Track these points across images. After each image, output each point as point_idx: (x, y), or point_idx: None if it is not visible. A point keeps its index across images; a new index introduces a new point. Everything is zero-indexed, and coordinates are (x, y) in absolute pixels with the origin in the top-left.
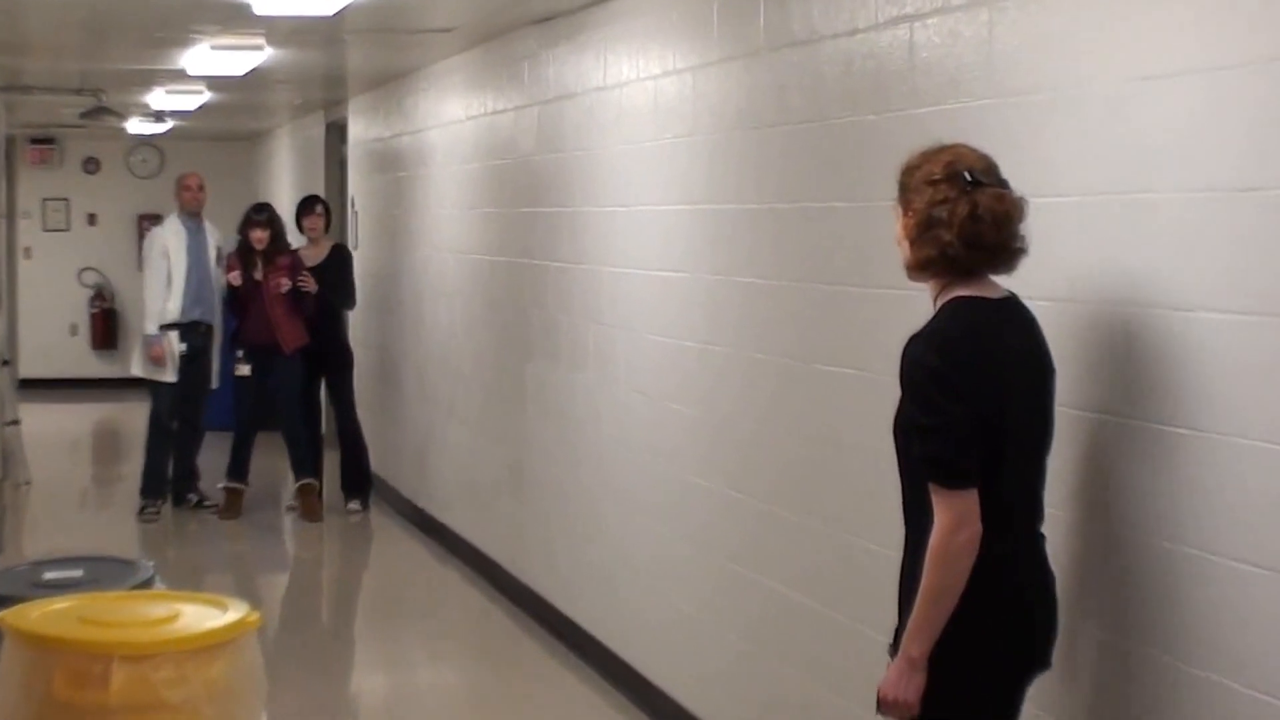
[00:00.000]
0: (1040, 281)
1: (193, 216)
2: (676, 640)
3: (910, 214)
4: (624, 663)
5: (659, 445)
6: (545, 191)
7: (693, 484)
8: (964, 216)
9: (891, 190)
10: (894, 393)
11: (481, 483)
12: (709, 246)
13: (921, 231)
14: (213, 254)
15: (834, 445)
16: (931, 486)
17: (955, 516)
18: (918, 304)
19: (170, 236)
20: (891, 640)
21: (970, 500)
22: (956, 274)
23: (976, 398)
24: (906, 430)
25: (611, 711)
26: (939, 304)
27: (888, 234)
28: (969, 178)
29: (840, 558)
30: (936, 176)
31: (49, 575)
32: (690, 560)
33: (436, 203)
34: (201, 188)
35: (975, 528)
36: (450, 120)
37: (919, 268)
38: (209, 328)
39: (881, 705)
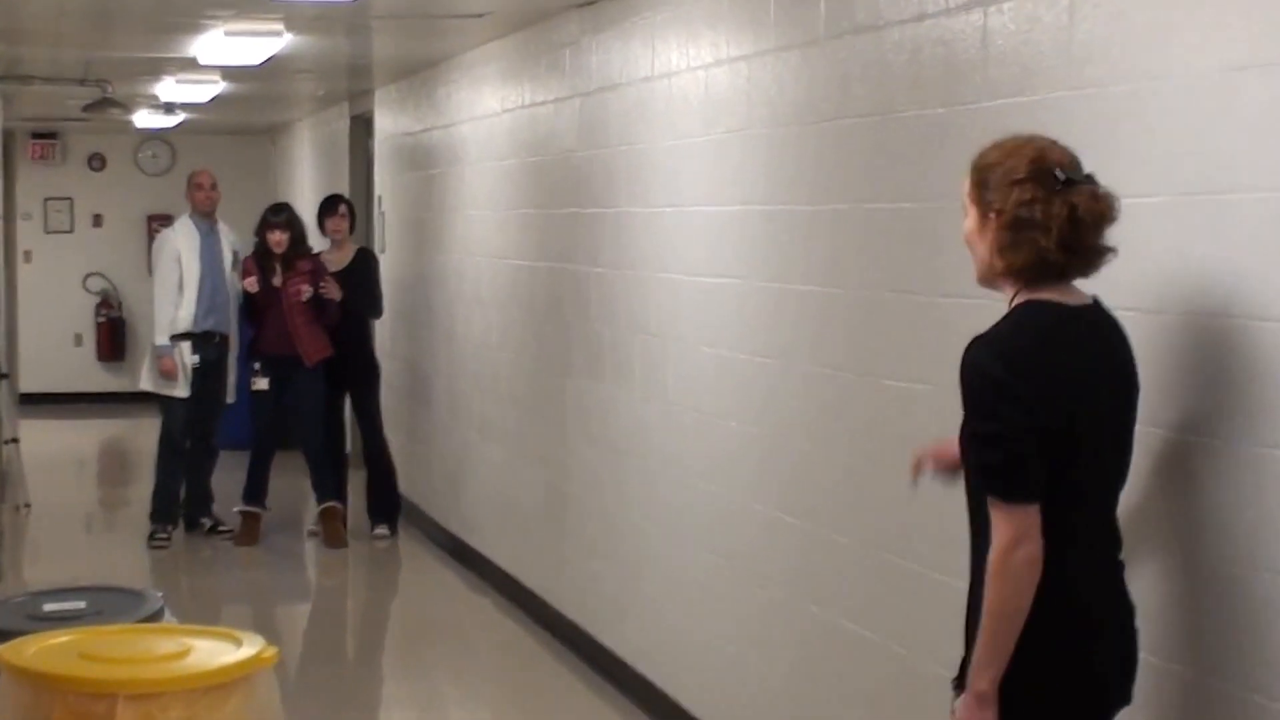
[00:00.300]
0: (1119, 289)
1: (205, 218)
2: (727, 675)
3: (992, 215)
4: (670, 699)
5: (710, 465)
6: (587, 191)
7: (746, 507)
8: (1063, 219)
9: (959, 190)
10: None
11: (518, 506)
12: (764, 250)
13: (1013, 235)
14: (228, 258)
15: (898, 466)
16: (990, 500)
17: (1014, 531)
18: (992, 312)
19: (181, 239)
20: (956, 674)
21: (1030, 516)
22: (1048, 279)
23: (1042, 409)
24: (967, 441)
25: None
26: (1011, 305)
27: (959, 236)
28: (1060, 176)
29: (904, 587)
30: (1021, 175)
31: (49, 607)
32: (743, 589)
33: (470, 203)
34: (214, 186)
35: (1035, 545)
36: (485, 113)
37: (1009, 273)
38: (224, 338)
39: None
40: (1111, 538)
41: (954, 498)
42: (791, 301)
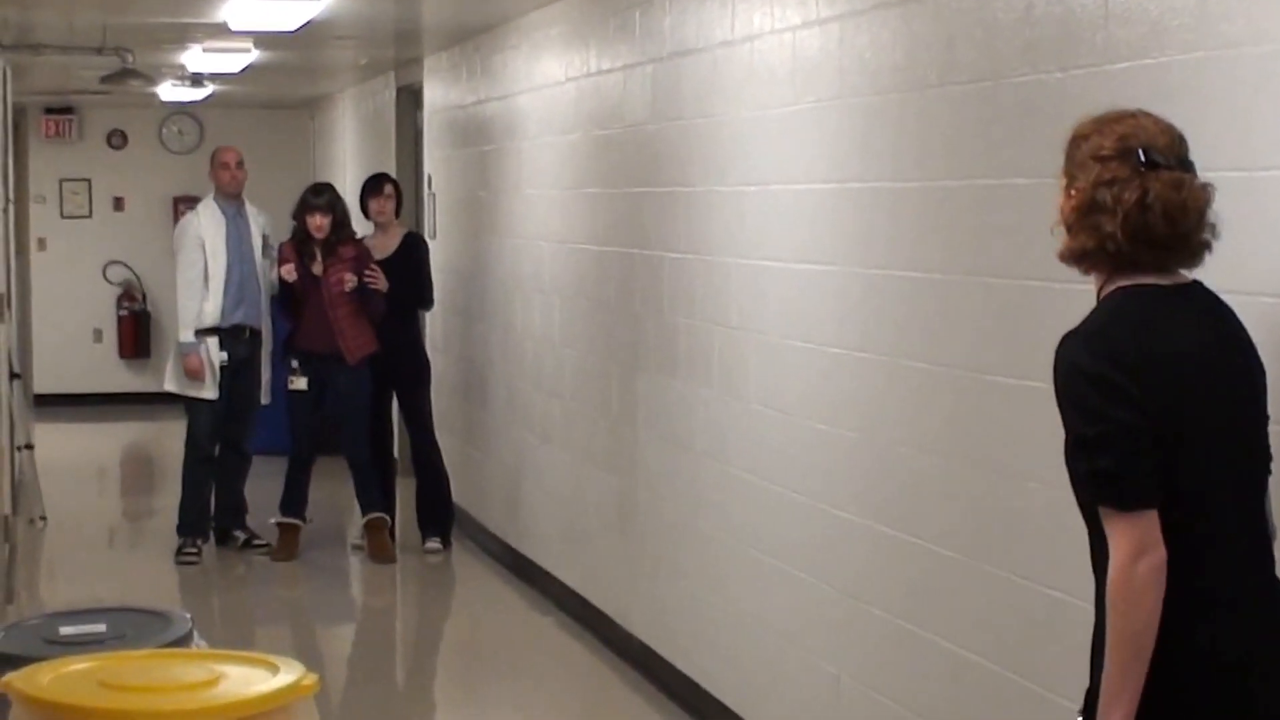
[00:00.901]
0: (1250, 272)
1: (232, 199)
2: (823, 707)
3: (1073, 193)
4: None
5: (799, 474)
6: (660, 168)
7: (842, 521)
8: (1131, 204)
9: None
10: None
11: (584, 517)
12: (861, 233)
13: (1082, 216)
14: (258, 244)
15: (1008, 473)
16: (1103, 511)
17: (1134, 543)
18: None
19: (206, 224)
20: (1082, 705)
21: (1150, 522)
22: (1118, 268)
23: (1150, 405)
24: (1071, 449)
25: None
26: (1101, 295)
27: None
28: (1143, 157)
29: (1023, 611)
30: (1106, 152)
31: (66, 630)
32: (840, 614)
33: (529, 182)
34: (241, 165)
35: (1159, 554)
36: (546, 82)
37: (1075, 258)
38: (255, 333)
39: None
40: (1255, 546)
41: (1054, 502)
42: (891, 290)
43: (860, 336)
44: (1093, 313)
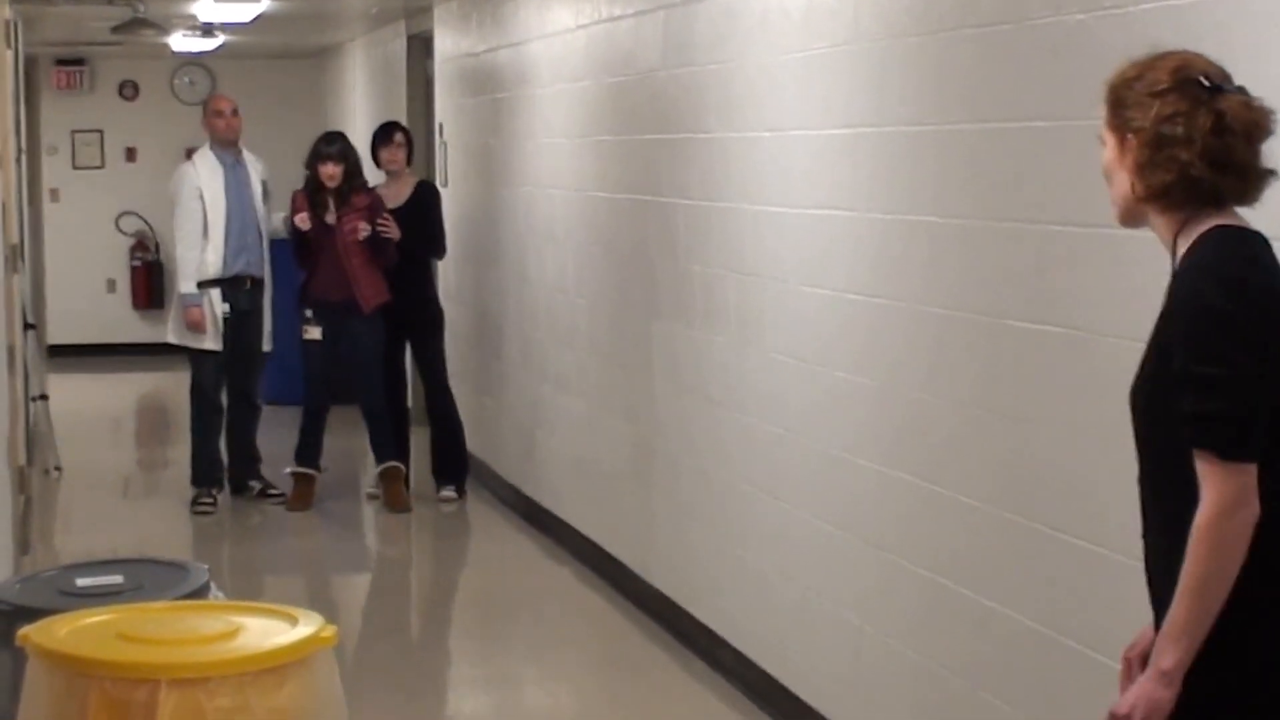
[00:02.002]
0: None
1: (228, 148)
2: (835, 650)
3: (1131, 136)
4: (771, 677)
5: (814, 418)
6: (674, 114)
7: (854, 463)
8: (1207, 130)
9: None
10: (1102, 354)
11: (599, 465)
12: (876, 178)
13: (1152, 153)
14: (257, 190)
15: (1024, 417)
16: (1201, 454)
17: (1234, 493)
18: (1143, 246)
19: (204, 174)
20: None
21: (1250, 476)
22: (1200, 202)
23: (1267, 352)
24: (1168, 384)
25: None
26: (1185, 240)
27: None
28: (1206, 82)
29: (1030, 551)
30: (1163, 85)
31: (82, 582)
32: (852, 555)
33: (541, 130)
34: (236, 112)
35: (1253, 510)
36: (557, 30)
37: (1154, 196)
38: (256, 282)
39: None
40: None
41: (1084, 451)
42: (906, 235)
43: (878, 283)
44: (1208, 251)
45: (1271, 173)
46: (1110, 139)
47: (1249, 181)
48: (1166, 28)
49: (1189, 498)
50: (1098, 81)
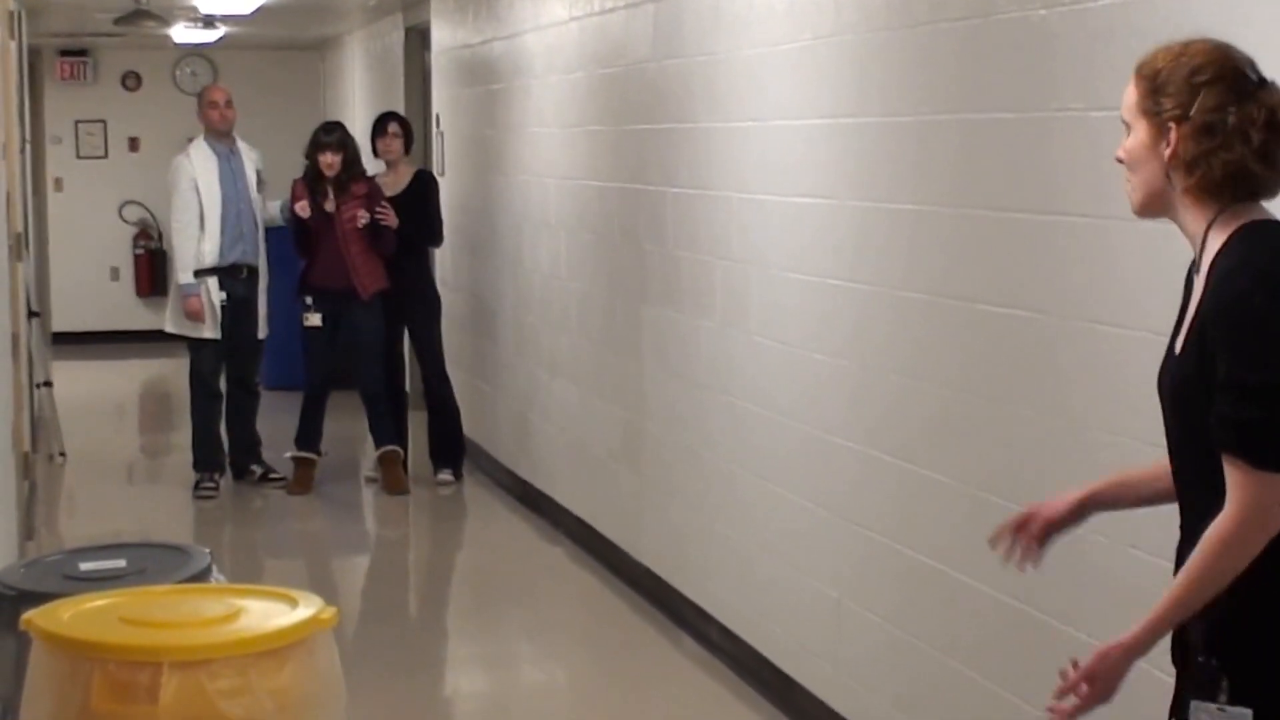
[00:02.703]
0: None
1: (223, 138)
2: (819, 626)
3: (1173, 125)
4: (758, 653)
5: (798, 400)
6: (663, 105)
7: (836, 445)
8: (1262, 124)
9: (1071, 97)
10: (1076, 337)
11: (592, 448)
12: (855, 167)
13: (1203, 144)
14: (252, 180)
15: (1000, 399)
16: (1231, 461)
17: (1259, 505)
18: (1110, 233)
19: (199, 164)
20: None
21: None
22: (1242, 197)
23: None
24: (1210, 390)
25: (744, 709)
26: (1217, 234)
27: (1066, 149)
28: (1254, 76)
29: None
30: (1208, 76)
31: (86, 566)
32: (835, 534)
33: (535, 120)
34: (230, 104)
35: (1277, 524)
36: (551, 22)
37: (1200, 191)
38: (252, 271)
39: (1064, 682)
40: None
41: (1058, 431)
42: (884, 222)
43: (860, 269)
44: (1252, 248)
45: None
46: (1142, 125)
47: None
48: (1129, 20)
49: (1217, 506)
50: (1062, 74)
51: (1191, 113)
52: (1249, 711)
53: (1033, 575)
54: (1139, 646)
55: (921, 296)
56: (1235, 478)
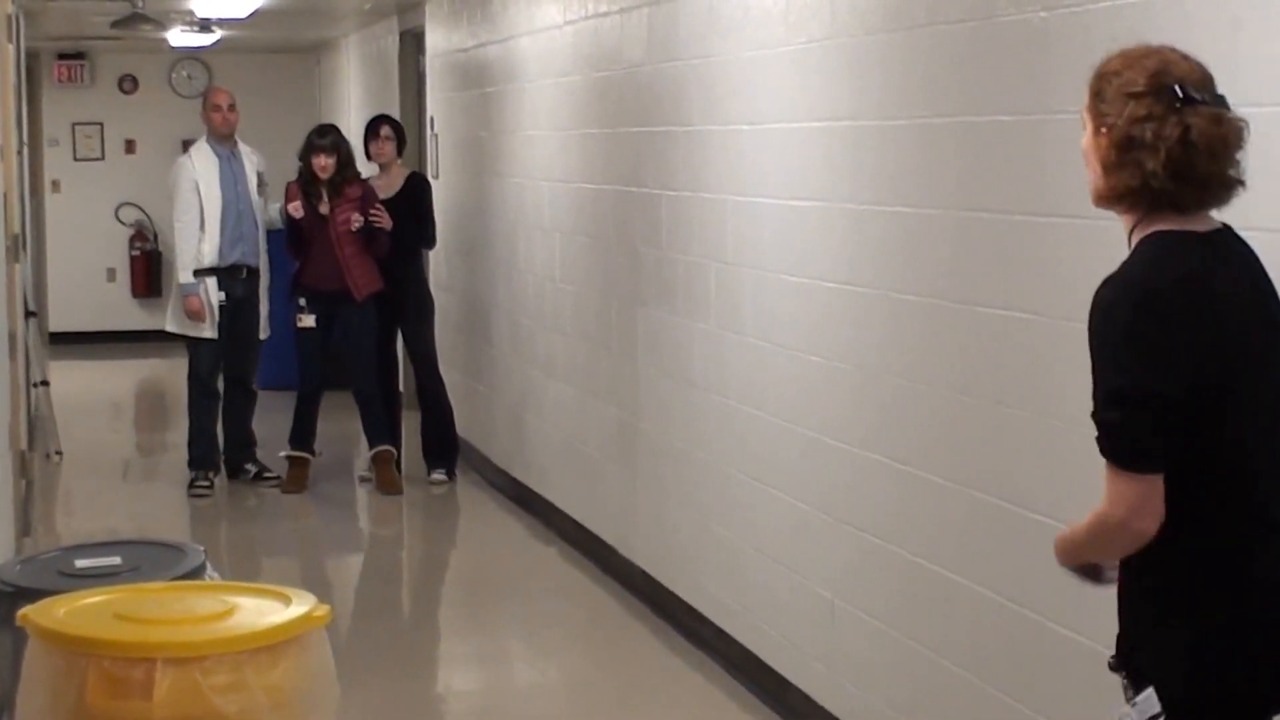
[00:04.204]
0: (1265, 208)
1: (225, 140)
2: (813, 628)
3: (1104, 131)
4: (752, 654)
5: (793, 402)
6: (658, 108)
7: (832, 447)
8: (1173, 141)
9: (1069, 101)
10: (1071, 339)
11: (585, 448)
12: (851, 170)
13: (1120, 154)
14: (253, 182)
15: (996, 401)
16: (1108, 467)
17: (1130, 502)
18: (1103, 235)
19: (200, 166)
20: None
21: (1150, 487)
22: (1158, 208)
23: (1186, 364)
24: (1093, 391)
25: (738, 709)
26: (1134, 239)
27: (1063, 152)
28: (1180, 93)
29: (1004, 532)
30: (1139, 88)
31: (81, 563)
32: (830, 536)
33: (529, 123)
34: (233, 107)
35: (1152, 522)
36: (545, 25)
37: (1114, 198)
38: (252, 271)
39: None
40: None
41: (1053, 433)
42: (880, 225)
43: (854, 271)
44: (1132, 259)
45: (1239, 183)
46: (1088, 125)
47: (1209, 191)
48: (1128, 23)
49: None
50: (1061, 77)
51: (1118, 122)
52: (1150, 690)
53: (1027, 577)
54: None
55: (918, 299)
56: (1107, 477)
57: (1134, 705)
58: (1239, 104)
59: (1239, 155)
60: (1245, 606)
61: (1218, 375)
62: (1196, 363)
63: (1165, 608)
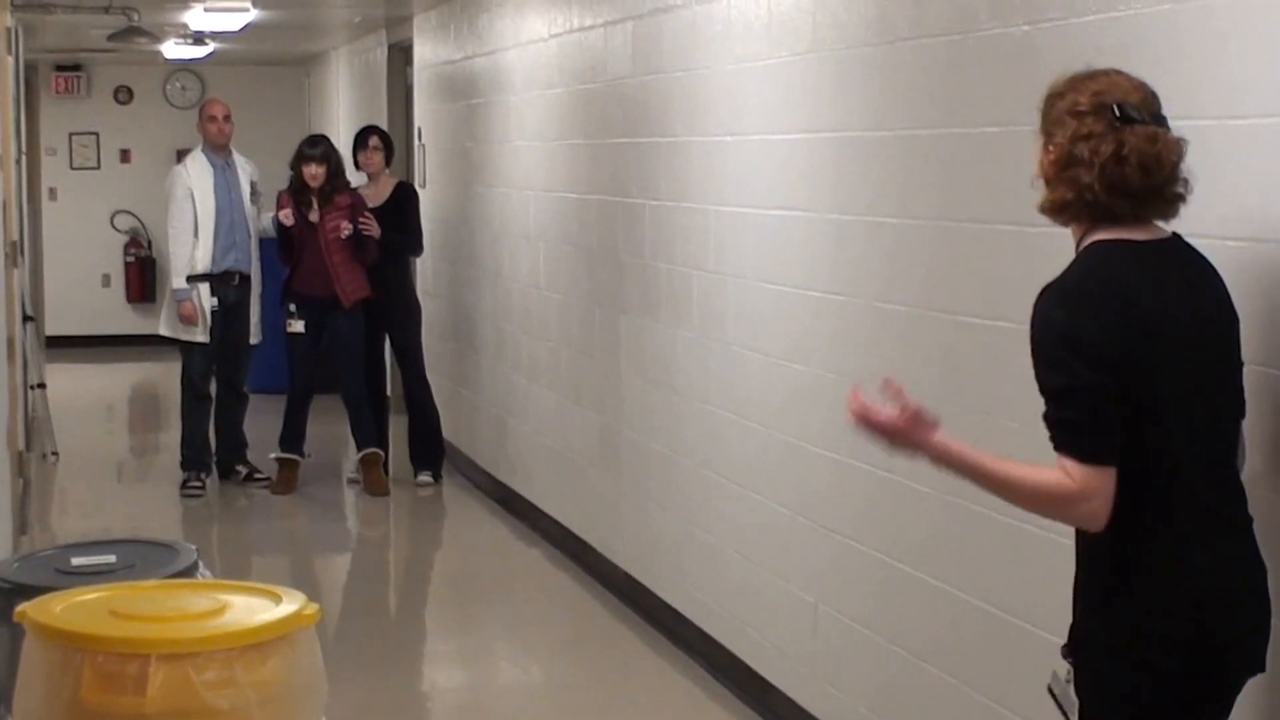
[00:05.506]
0: (1218, 218)
1: (220, 150)
2: (793, 629)
3: (1050, 149)
4: (733, 655)
5: (774, 409)
6: (641, 119)
7: (816, 457)
8: (1107, 157)
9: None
10: None
11: (569, 452)
12: (832, 181)
13: (1060, 170)
14: (246, 191)
15: (977, 408)
16: (1062, 457)
17: (1083, 487)
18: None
19: (195, 175)
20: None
21: (1106, 479)
22: (1096, 220)
23: (1118, 364)
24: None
25: (718, 709)
26: (1080, 248)
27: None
28: (1118, 112)
29: (981, 535)
30: (1082, 108)
31: (77, 561)
32: (810, 539)
33: (515, 134)
34: (228, 118)
35: (1103, 506)
36: (530, 39)
37: (1054, 210)
38: (244, 278)
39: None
40: (1231, 495)
41: (1029, 441)
42: (861, 234)
43: (830, 279)
44: (1071, 267)
45: (1178, 197)
46: (1040, 142)
47: (1147, 205)
48: (1109, 38)
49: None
50: (1041, 89)
51: (1062, 140)
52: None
53: (1004, 579)
54: (929, 450)
55: (901, 308)
56: (1068, 468)
57: (1069, 685)
58: (1223, 117)
59: (1179, 171)
60: (1186, 594)
61: (1149, 373)
62: (1128, 361)
63: (1110, 596)
